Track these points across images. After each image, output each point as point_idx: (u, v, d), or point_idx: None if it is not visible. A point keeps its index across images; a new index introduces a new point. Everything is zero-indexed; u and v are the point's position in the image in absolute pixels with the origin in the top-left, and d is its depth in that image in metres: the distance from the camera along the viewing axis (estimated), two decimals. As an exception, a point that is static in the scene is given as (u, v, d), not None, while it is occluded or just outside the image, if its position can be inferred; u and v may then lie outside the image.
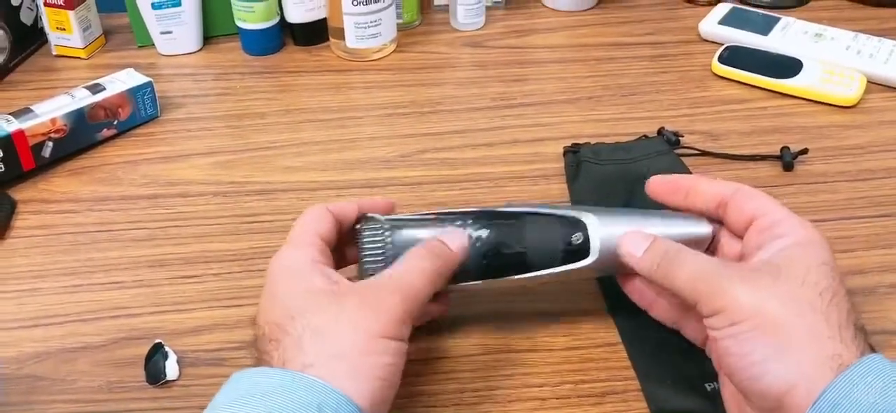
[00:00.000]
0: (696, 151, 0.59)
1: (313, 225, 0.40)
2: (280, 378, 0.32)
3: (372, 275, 0.40)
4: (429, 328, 0.46)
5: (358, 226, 0.43)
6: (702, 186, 0.42)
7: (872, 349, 0.34)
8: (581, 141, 0.61)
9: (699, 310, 0.36)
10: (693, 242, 0.41)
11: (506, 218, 0.43)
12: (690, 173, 0.56)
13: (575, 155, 0.59)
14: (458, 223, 0.42)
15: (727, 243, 0.42)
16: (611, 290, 0.46)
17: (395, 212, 0.45)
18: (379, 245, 0.41)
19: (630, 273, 0.42)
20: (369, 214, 0.43)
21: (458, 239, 0.41)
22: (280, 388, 0.32)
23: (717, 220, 0.42)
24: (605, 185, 0.56)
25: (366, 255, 0.41)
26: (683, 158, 0.59)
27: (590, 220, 0.42)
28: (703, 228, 0.42)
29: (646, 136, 0.62)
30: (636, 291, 0.43)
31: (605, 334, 0.46)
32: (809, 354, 0.32)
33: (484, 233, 0.42)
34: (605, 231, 0.41)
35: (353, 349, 0.33)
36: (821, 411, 0.30)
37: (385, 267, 0.40)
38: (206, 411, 0.33)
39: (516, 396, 0.42)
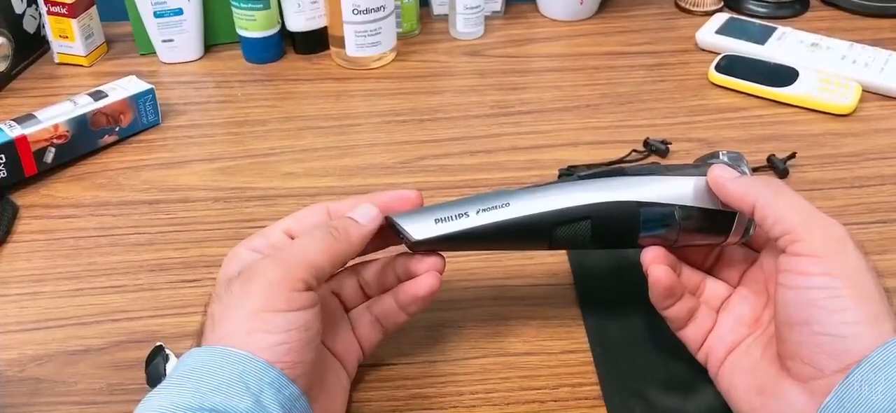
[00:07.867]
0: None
1: (287, 221, 0.42)
2: (204, 355, 0.34)
3: None
4: (426, 332, 0.47)
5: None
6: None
7: None
8: (577, 159, 0.60)
9: (788, 242, 0.36)
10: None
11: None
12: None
13: (568, 178, 0.58)
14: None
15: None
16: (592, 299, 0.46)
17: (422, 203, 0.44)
18: None
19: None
20: None
21: (368, 213, 0.42)
22: (202, 365, 0.33)
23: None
24: None
25: None
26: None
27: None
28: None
29: (635, 151, 0.62)
30: (663, 277, 0.41)
31: (601, 338, 0.46)
32: (880, 310, 0.34)
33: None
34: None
35: (238, 332, 0.34)
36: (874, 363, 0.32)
37: None
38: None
39: (514, 399, 0.43)
